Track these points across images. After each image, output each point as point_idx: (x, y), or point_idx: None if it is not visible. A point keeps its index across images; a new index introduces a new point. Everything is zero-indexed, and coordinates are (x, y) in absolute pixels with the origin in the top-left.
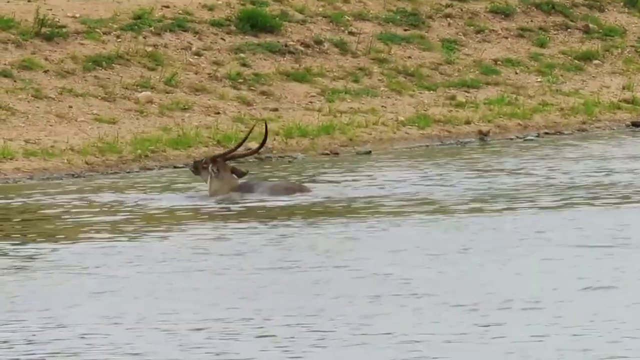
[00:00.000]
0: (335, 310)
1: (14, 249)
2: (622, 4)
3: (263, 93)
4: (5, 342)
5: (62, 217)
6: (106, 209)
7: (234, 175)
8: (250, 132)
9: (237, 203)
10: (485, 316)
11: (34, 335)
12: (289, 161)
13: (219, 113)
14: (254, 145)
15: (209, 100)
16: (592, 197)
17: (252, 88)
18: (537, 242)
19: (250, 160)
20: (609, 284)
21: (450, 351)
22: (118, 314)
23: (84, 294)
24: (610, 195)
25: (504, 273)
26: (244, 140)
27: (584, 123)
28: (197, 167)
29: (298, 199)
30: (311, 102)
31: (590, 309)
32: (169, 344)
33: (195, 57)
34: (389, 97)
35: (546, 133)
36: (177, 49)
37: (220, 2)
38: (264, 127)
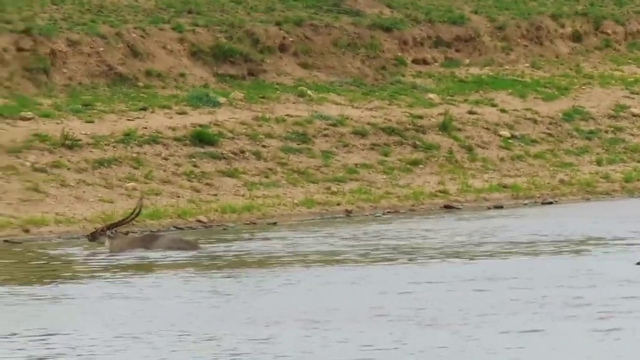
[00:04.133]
0: None
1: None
2: (437, 128)
3: (207, 184)
4: None
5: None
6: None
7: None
8: (134, 210)
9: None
10: None
11: None
12: (224, 229)
13: (179, 197)
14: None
15: (172, 188)
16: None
17: (200, 181)
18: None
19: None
20: None
21: None
22: None
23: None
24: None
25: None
26: (130, 215)
27: (413, 205)
28: (94, 235)
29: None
30: (238, 190)
31: None
32: None
33: (164, 160)
34: (287, 188)
35: (389, 212)
36: (152, 155)
37: (180, 125)
38: (139, 205)
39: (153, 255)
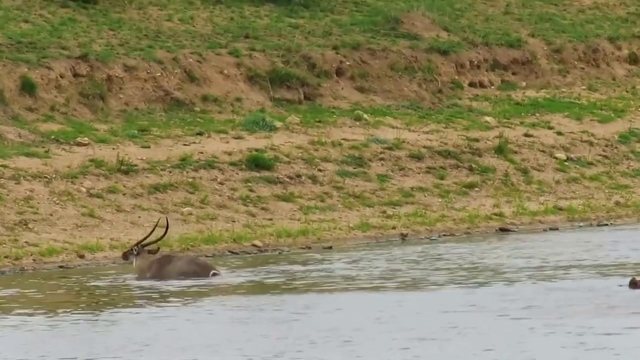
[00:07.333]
0: None
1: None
2: (493, 151)
3: (263, 209)
4: None
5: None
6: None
7: (149, 254)
8: (154, 228)
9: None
10: None
11: None
12: (279, 253)
13: (234, 221)
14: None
15: (228, 213)
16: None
17: (256, 205)
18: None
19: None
20: None
21: None
22: None
23: None
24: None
25: None
26: (150, 234)
27: (468, 228)
28: (126, 255)
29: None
30: (294, 214)
31: None
32: None
33: (219, 185)
34: (343, 212)
35: (445, 234)
36: (208, 180)
37: (235, 150)
38: (165, 224)
39: (165, 283)
